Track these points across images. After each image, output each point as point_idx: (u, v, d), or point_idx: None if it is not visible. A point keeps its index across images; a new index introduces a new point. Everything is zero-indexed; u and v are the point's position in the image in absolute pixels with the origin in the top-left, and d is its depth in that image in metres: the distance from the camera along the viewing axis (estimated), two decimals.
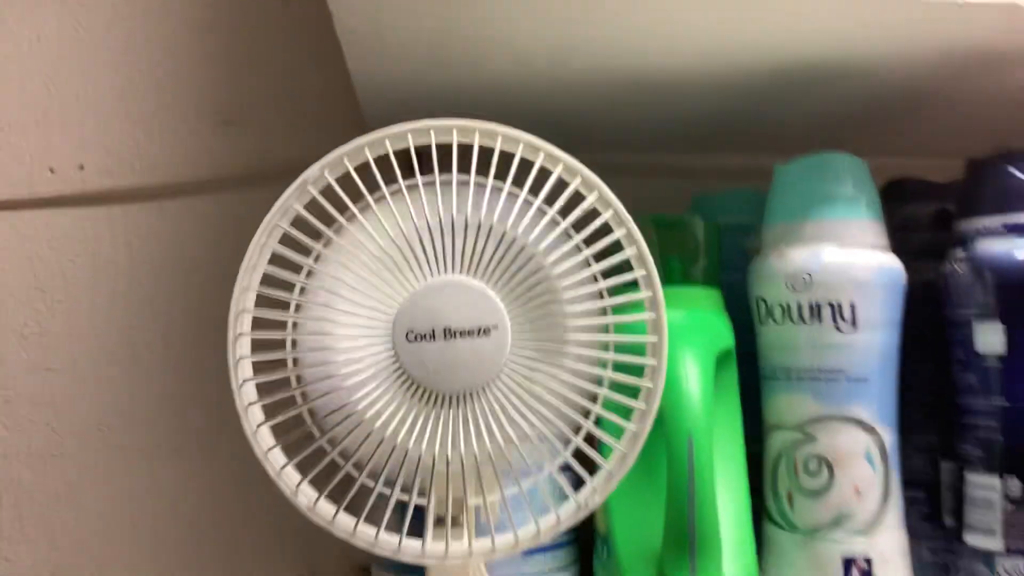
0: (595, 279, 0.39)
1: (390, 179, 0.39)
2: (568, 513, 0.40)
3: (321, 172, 0.40)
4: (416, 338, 0.37)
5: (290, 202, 0.40)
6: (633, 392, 0.40)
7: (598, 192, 0.40)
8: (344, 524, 0.40)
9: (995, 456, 0.47)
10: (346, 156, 0.40)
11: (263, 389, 0.40)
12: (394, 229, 0.38)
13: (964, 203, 0.50)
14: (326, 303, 0.38)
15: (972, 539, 0.48)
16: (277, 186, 0.67)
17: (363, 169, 0.40)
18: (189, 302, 0.67)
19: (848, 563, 0.47)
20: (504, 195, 0.38)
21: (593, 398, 0.39)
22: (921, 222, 0.54)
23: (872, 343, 0.48)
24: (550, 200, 0.39)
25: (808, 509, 0.48)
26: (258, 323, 0.40)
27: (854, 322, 0.48)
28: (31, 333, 0.66)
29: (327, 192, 0.39)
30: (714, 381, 0.46)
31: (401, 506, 0.39)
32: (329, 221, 0.39)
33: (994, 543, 0.47)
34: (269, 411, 0.40)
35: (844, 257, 0.48)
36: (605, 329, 0.39)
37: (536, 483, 0.39)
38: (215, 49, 0.68)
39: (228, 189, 0.68)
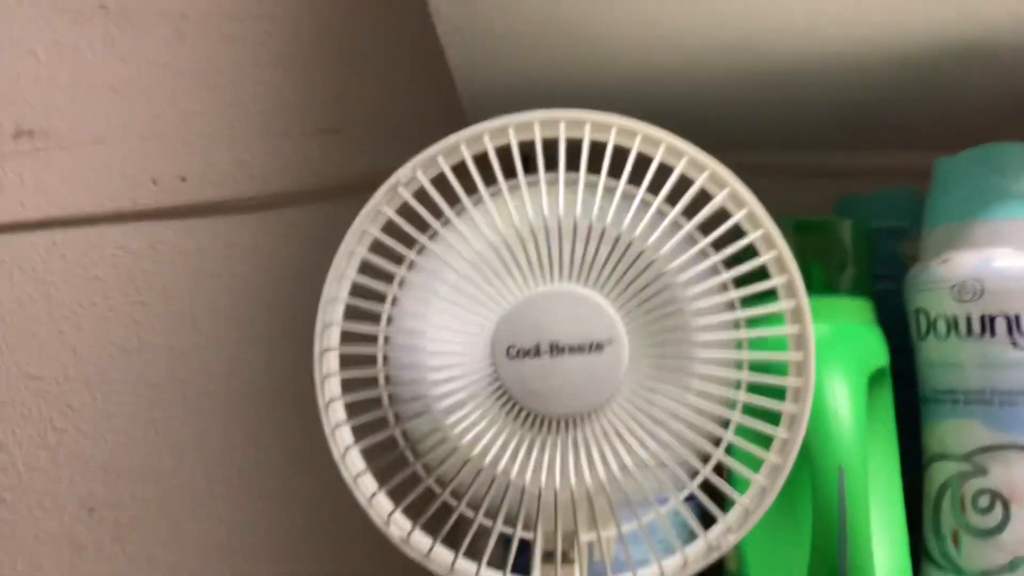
0: (725, 287, 0.34)
1: (491, 180, 0.35)
2: (697, 554, 0.35)
3: (414, 173, 0.36)
4: (518, 354, 0.33)
5: (380, 206, 0.36)
6: (773, 418, 0.34)
7: (730, 188, 0.34)
8: (441, 558, 0.35)
9: None
10: (441, 154, 0.35)
11: (352, 409, 0.36)
12: (494, 233, 0.33)
13: None
14: (417, 314, 0.34)
15: None
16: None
17: (461, 171, 0.35)
18: (292, 317, 0.65)
19: None
20: (619, 194, 0.33)
21: (725, 424, 0.34)
22: None
23: None
24: (673, 199, 0.34)
25: (977, 551, 0.41)
26: (347, 337, 0.36)
27: None
28: (132, 348, 0.64)
29: (421, 195, 0.35)
30: (867, 404, 0.40)
31: (505, 540, 0.35)
32: (423, 227, 0.35)
33: None
34: (359, 433, 0.36)
35: (1021, 262, 0.41)
36: (739, 345, 0.34)
37: (658, 518, 0.34)
38: (315, 57, 0.66)
39: (330, 199, 0.65)
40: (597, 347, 0.33)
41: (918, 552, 0.43)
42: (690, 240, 0.33)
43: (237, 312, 0.65)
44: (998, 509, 0.41)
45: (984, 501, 0.41)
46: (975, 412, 0.42)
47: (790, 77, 0.49)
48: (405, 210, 0.36)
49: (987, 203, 0.43)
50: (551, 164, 0.34)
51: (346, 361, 0.37)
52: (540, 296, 0.33)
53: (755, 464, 0.35)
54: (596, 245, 0.33)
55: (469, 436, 0.33)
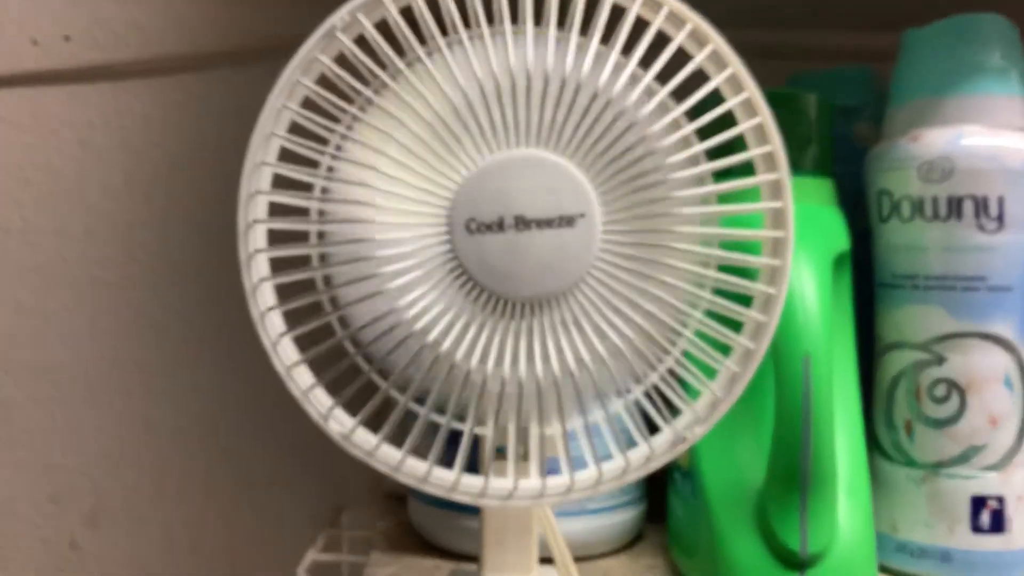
0: (702, 158, 0.30)
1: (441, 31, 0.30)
2: (663, 446, 0.32)
3: (353, 17, 0.31)
4: (479, 228, 0.29)
5: (314, 54, 0.31)
6: (743, 300, 0.31)
7: (713, 46, 0.31)
8: (387, 457, 0.32)
9: None
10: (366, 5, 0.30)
11: (285, 292, 0.32)
12: (452, 88, 0.29)
13: None
14: (363, 182, 0.29)
15: None
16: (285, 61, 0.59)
17: (407, 18, 0.31)
18: (191, 194, 0.59)
19: (978, 503, 0.39)
20: (593, 47, 0.29)
21: (693, 305, 0.31)
22: None
23: (1018, 245, 0.39)
24: (648, 58, 0.30)
25: (932, 441, 0.40)
26: (277, 209, 0.32)
27: (1001, 220, 0.39)
28: (15, 229, 0.58)
29: (360, 45, 0.31)
30: (832, 290, 0.38)
31: (454, 436, 0.32)
32: (363, 81, 0.30)
33: None
34: (292, 319, 0.32)
35: (993, 141, 0.39)
36: (713, 221, 0.31)
37: (621, 410, 0.31)
38: None
39: (233, 64, 0.59)
40: (568, 221, 0.29)
41: (867, 443, 0.42)
42: (669, 103, 0.30)
43: (131, 190, 0.59)
44: (954, 399, 0.40)
45: (940, 391, 0.40)
46: (936, 298, 0.40)
47: None
48: (341, 61, 0.31)
49: (959, 77, 0.40)
50: (513, 14, 0.30)
51: (276, 238, 0.32)
52: (504, 162, 0.29)
53: (725, 351, 0.32)
54: (569, 104, 0.29)
55: (423, 320, 0.29)
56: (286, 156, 0.32)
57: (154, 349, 0.59)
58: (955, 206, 0.39)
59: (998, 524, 0.39)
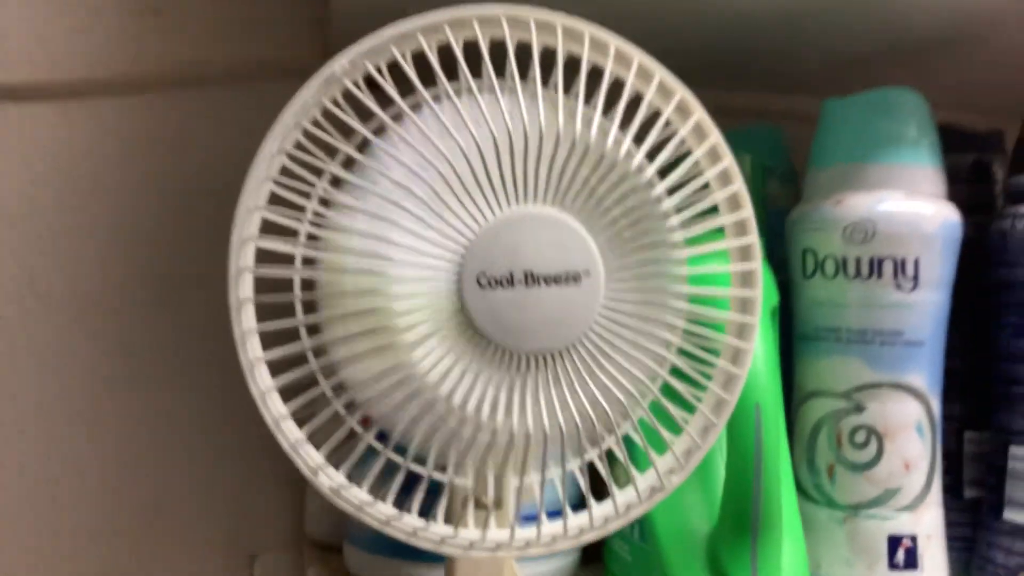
0: (689, 221, 0.32)
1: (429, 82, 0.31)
2: (642, 494, 0.33)
3: (353, 64, 0.31)
4: (490, 283, 0.29)
5: (316, 98, 0.31)
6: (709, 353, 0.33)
7: (696, 117, 0.33)
8: (378, 511, 0.32)
9: None
10: (392, 43, 0.31)
11: (269, 340, 0.32)
12: (465, 139, 0.29)
13: None
14: (373, 233, 0.29)
15: (1014, 515, 0.45)
16: (214, 89, 0.57)
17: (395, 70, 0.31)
18: (102, 226, 0.56)
19: (894, 541, 0.43)
20: (599, 109, 0.31)
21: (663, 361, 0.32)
22: (958, 174, 0.50)
23: (931, 303, 0.43)
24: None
25: (852, 484, 0.44)
26: (263, 256, 0.31)
27: (916, 280, 0.43)
28: None
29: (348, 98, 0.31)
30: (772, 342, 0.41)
31: (414, 482, 0.32)
32: (349, 132, 0.31)
33: None
34: (276, 367, 0.32)
35: (911, 208, 0.43)
36: (695, 280, 0.33)
37: (597, 460, 0.33)
38: None
39: (153, 91, 0.57)
40: (574, 278, 0.30)
41: None
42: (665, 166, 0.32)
43: (34, 223, 0.56)
44: (873, 444, 0.43)
45: (860, 437, 0.44)
46: (856, 351, 0.44)
47: (679, 15, 0.48)
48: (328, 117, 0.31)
49: (878, 147, 0.44)
50: (498, 70, 0.31)
51: (264, 286, 0.32)
52: (515, 218, 0.30)
53: (690, 407, 0.34)
54: (576, 165, 0.30)
55: (434, 373, 0.29)
56: (276, 202, 0.32)
57: (50, 389, 0.56)
58: (876, 266, 0.43)
59: (912, 561, 0.43)
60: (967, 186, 0.50)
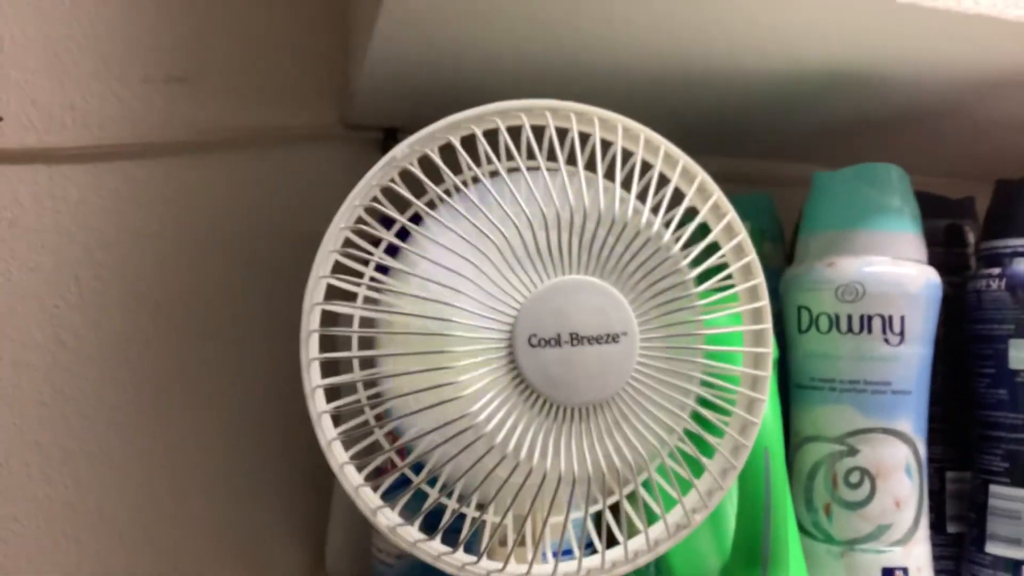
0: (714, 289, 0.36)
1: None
2: (671, 530, 0.37)
3: (412, 149, 0.35)
4: (540, 343, 0.33)
5: (378, 181, 0.35)
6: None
7: (715, 200, 0.37)
8: (430, 548, 0.35)
9: (1022, 469, 0.48)
10: (449, 132, 0.35)
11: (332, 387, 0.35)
12: (518, 215, 0.33)
13: (996, 223, 0.51)
14: (440, 296, 0.33)
15: (995, 549, 0.49)
16: (231, 154, 0.61)
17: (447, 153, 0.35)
18: (127, 280, 0.59)
19: (887, 573, 0.47)
20: (635, 190, 0.35)
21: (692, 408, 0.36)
22: (935, 237, 0.54)
23: (916, 356, 0.48)
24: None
25: (847, 521, 0.47)
26: (333, 319, 0.35)
27: (902, 335, 0.47)
28: None
29: (407, 177, 0.35)
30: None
31: (472, 522, 0.35)
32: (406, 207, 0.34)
33: (1020, 552, 0.48)
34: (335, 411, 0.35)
35: (897, 269, 0.47)
36: (721, 340, 0.37)
37: (624, 502, 0.36)
38: None
39: (174, 154, 0.60)
40: (613, 338, 0.34)
41: None
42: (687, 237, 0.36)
43: (62, 275, 0.58)
44: (866, 484, 0.47)
45: (854, 477, 0.47)
46: (849, 399, 0.48)
47: (671, 84, 0.52)
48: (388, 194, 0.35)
49: (866, 215, 0.49)
50: (538, 154, 0.35)
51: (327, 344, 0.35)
52: (561, 285, 0.33)
53: (710, 451, 0.37)
54: (615, 239, 0.34)
55: (492, 424, 0.33)
56: (340, 270, 0.35)
57: (76, 434, 0.58)
58: (866, 322, 0.47)
59: None
60: (942, 248, 0.55)
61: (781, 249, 0.59)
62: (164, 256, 0.60)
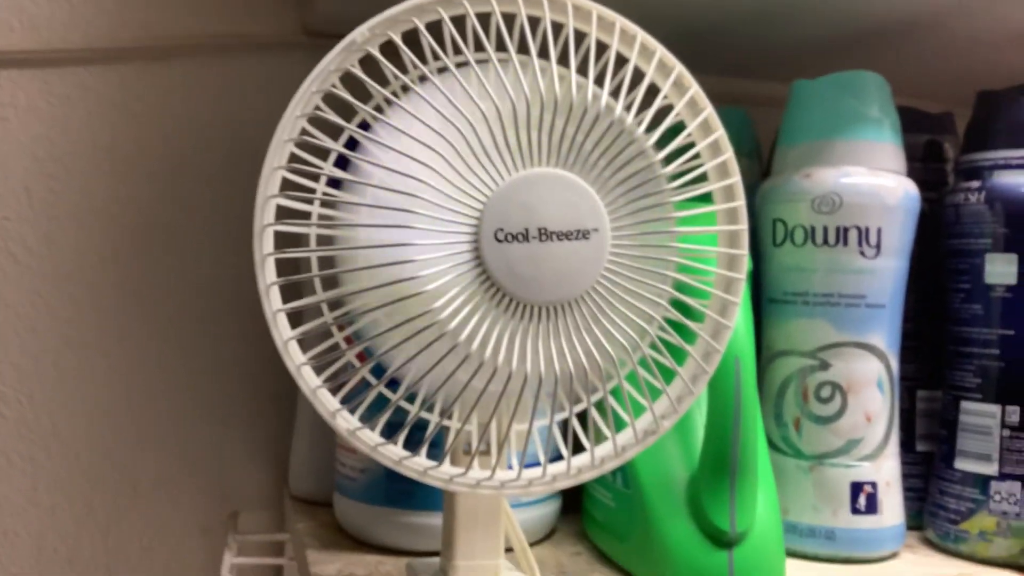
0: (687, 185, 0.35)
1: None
2: (631, 441, 0.36)
3: (372, 32, 0.33)
4: (506, 238, 0.32)
5: (337, 64, 0.33)
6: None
7: (692, 94, 0.35)
8: (390, 452, 0.34)
9: (994, 385, 0.48)
10: (413, 15, 0.33)
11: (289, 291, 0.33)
12: (488, 105, 0.31)
13: (977, 135, 0.50)
14: (396, 188, 0.31)
15: (965, 464, 0.48)
16: (187, 61, 0.58)
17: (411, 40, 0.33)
18: (81, 193, 0.57)
19: (856, 488, 0.46)
20: (607, 82, 0.33)
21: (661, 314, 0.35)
22: (914, 152, 0.53)
23: (891, 269, 0.47)
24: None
25: (817, 435, 0.47)
26: (284, 213, 0.33)
27: (878, 247, 0.46)
28: None
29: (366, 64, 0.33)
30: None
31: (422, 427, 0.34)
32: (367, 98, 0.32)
33: (989, 468, 0.47)
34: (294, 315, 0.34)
35: (875, 180, 0.46)
36: (695, 241, 0.35)
37: (591, 407, 0.35)
38: None
39: (127, 60, 0.58)
40: (584, 234, 0.32)
41: None
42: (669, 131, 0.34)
43: (11, 189, 0.56)
44: (837, 399, 0.47)
45: (826, 392, 0.47)
46: (822, 313, 0.47)
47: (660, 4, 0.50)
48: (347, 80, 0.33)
49: (844, 125, 0.47)
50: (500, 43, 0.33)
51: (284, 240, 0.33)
52: (530, 178, 0.32)
53: (681, 356, 0.36)
54: (588, 130, 0.32)
55: (455, 321, 0.31)
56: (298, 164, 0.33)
57: (30, 351, 0.56)
58: (842, 234, 0.46)
59: (872, 506, 0.46)
60: (921, 164, 0.53)
61: (757, 166, 0.57)
62: (119, 167, 0.58)
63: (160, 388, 0.58)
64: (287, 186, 0.34)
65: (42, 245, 0.57)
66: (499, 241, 0.32)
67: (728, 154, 0.36)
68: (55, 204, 0.57)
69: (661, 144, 0.34)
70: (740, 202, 0.36)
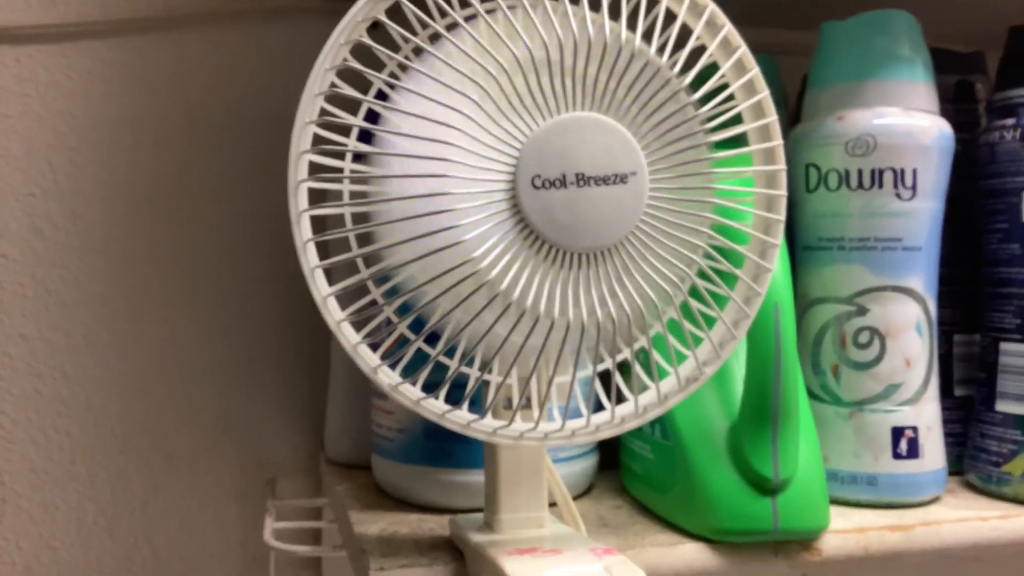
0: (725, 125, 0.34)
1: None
2: (674, 388, 0.36)
3: None
4: (544, 184, 0.31)
5: (368, 12, 0.32)
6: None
7: (726, 33, 0.35)
8: (432, 405, 0.34)
9: None
10: None
11: (325, 251, 0.33)
12: (520, 49, 0.31)
13: (1011, 72, 0.49)
14: (433, 139, 0.31)
15: (1005, 406, 0.48)
16: (207, 30, 0.58)
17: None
18: (104, 166, 0.57)
19: (897, 432, 0.46)
20: (640, 23, 0.32)
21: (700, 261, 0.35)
22: (944, 94, 0.52)
23: (927, 211, 0.46)
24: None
25: (856, 382, 0.46)
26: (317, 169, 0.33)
27: (914, 189, 0.45)
28: None
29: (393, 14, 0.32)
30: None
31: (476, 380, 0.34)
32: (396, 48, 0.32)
33: None
34: (333, 276, 0.33)
35: (909, 120, 0.45)
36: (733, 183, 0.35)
37: (631, 357, 0.35)
38: None
39: (145, 32, 0.57)
40: (622, 179, 0.32)
41: None
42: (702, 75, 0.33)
43: (35, 165, 0.56)
44: (876, 344, 0.46)
45: (864, 337, 0.46)
46: (858, 257, 0.46)
47: None
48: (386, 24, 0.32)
49: (877, 65, 0.46)
50: None
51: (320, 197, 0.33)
52: (566, 123, 0.31)
53: (719, 300, 0.36)
54: (622, 72, 0.32)
55: (496, 270, 0.31)
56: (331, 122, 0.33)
57: (61, 326, 0.56)
58: (877, 177, 0.45)
59: (914, 450, 0.46)
60: (952, 105, 0.52)
61: (784, 115, 0.56)
62: (141, 139, 0.58)
63: (192, 358, 0.58)
64: (318, 142, 0.33)
65: (68, 219, 0.56)
66: (536, 188, 0.31)
67: (764, 93, 0.35)
68: (79, 178, 0.57)
69: (696, 86, 0.34)
70: (777, 142, 0.36)
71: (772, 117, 0.35)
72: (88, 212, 0.57)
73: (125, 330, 0.57)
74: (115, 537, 0.57)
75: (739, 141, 0.36)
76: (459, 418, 0.34)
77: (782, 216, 0.36)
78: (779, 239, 0.36)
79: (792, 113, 0.56)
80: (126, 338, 0.57)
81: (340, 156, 0.34)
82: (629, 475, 0.48)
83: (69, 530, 0.57)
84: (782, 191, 0.36)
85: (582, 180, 0.32)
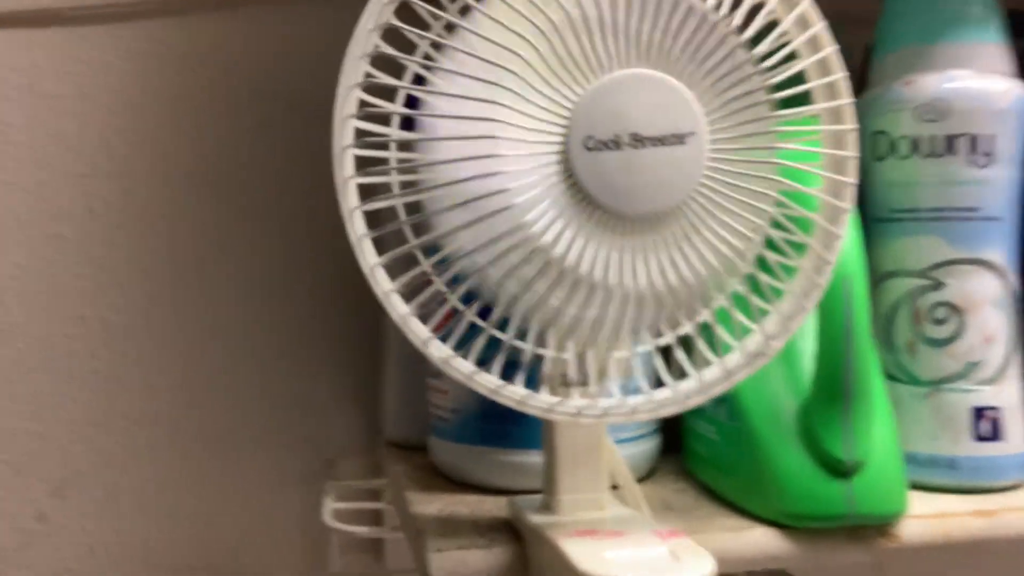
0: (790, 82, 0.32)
1: None
2: (739, 363, 0.34)
3: None
4: (597, 146, 0.30)
5: None
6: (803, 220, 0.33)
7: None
8: (485, 379, 0.32)
9: None
10: None
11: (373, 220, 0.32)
12: (571, 7, 0.29)
13: None
14: (480, 96, 0.29)
15: None
16: (259, 8, 0.57)
17: None
18: (151, 142, 0.57)
19: (977, 413, 0.43)
20: None
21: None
22: (1018, 58, 0.49)
23: (1005, 179, 0.44)
24: None
25: (933, 359, 0.44)
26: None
27: (990, 155, 0.43)
28: None
29: None
30: None
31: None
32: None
33: None
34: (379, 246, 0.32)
35: (983, 84, 0.43)
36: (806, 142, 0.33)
37: (693, 332, 0.33)
38: None
39: (197, 11, 0.57)
40: (679, 139, 0.30)
41: None
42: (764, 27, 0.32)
43: (88, 145, 0.56)
44: (953, 320, 0.44)
45: (941, 313, 0.44)
46: (932, 229, 0.44)
47: None
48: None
49: (946, 26, 0.44)
50: None
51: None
52: (619, 81, 0.30)
53: (790, 271, 0.34)
54: (679, 26, 0.30)
55: (548, 235, 0.30)
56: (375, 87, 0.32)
57: (118, 307, 0.57)
58: (950, 143, 0.43)
59: (996, 432, 0.43)
60: None
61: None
62: (195, 119, 0.57)
63: (248, 340, 0.58)
64: (363, 107, 0.32)
65: (121, 199, 0.56)
66: (589, 150, 0.30)
67: (830, 49, 0.33)
68: (132, 158, 0.56)
69: (756, 42, 0.32)
70: (847, 100, 0.34)
71: (840, 73, 0.33)
72: (142, 192, 0.57)
73: (180, 311, 0.57)
74: (175, 518, 0.57)
75: (804, 100, 0.34)
76: (513, 393, 0.33)
77: (853, 179, 0.34)
78: (849, 204, 0.34)
79: (855, 86, 0.53)
80: (181, 319, 0.57)
81: (387, 121, 0.33)
82: (694, 458, 0.46)
83: (132, 512, 0.57)
84: (853, 152, 0.34)
85: (637, 141, 0.30)
